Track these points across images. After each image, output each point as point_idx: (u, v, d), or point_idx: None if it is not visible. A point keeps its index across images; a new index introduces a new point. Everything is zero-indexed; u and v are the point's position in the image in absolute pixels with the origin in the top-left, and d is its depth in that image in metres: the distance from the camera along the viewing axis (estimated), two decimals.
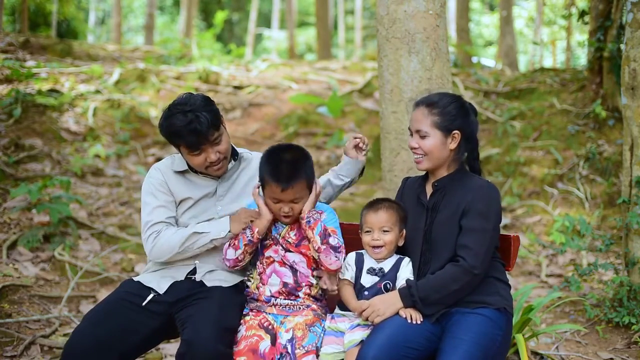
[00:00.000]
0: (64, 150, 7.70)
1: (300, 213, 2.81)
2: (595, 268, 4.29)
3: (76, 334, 2.69)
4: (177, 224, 2.97)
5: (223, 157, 2.92)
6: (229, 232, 2.87)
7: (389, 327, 2.63)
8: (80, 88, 9.51)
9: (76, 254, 5.42)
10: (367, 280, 2.79)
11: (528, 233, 6.25)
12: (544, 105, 8.23)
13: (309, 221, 2.76)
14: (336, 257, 2.75)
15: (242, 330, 2.75)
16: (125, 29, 26.80)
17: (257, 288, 2.86)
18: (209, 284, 2.91)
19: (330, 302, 2.93)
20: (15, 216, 5.61)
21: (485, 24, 26.62)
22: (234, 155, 3.07)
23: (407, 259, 2.82)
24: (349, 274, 2.82)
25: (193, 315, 2.73)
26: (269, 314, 2.81)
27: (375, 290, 2.77)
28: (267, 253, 2.85)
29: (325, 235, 2.74)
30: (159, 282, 2.91)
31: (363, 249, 2.86)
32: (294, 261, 2.84)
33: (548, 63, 21.35)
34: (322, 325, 2.79)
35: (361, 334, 2.69)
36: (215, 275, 2.94)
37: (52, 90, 8.98)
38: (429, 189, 2.88)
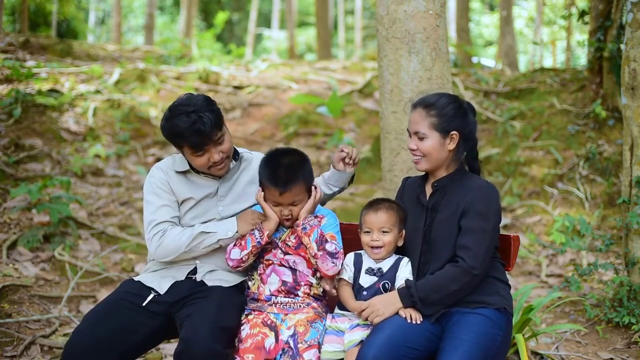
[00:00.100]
0: (64, 150, 7.70)
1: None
2: (595, 268, 4.29)
3: (76, 334, 2.69)
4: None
5: (226, 157, 2.93)
6: (236, 232, 2.88)
7: (388, 327, 2.63)
8: (80, 88, 9.51)
9: (76, 254, 5.43)
10: (366, 280, 2.80)
11: (528, 233, 6.25)
12: (544, 105, 8.23)
13: (305, 227, 2.78)
14: (333, 262, 2.77)
15: (247, 329, 2.76)
16: (125, 29, 26.80)
17: (258, 288, 2.88)
18: (209, 283, 2.91)
19: (330, 302, 2.93)
20: (15, 216, 5.61)
21: (485, 24, 26.62)
22: (235, 155, 3.07)
23: (406, 259, 2.82)
24: (348, 274, 2.82)
25: (191, 314, 2.74)
26: (270, 313, 2.83)
27: (373, 290, 2.77)
28: (267, 256, 2.89)
29: (321, 242, 2.76)
30: (160, 282, 2.91)
31: (363, 249, 2.86)
32: (294, 262, 2.86)
33: (548, 63, 21.36)
34: (323, 322, 2.81)
35: (361, 333, 2.69)
36: (216, 275, 2.94)
37: (52, 90, 8.98)
38: (428, 189, 2.88)
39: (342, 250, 2.82)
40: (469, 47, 13.89)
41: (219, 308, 2.75)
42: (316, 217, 2.87)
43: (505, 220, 6.49)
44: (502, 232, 3.04)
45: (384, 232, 2.78)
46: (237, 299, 2.88)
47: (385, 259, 2.82)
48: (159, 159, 8.34)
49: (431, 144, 2.77)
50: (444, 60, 3.68)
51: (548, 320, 4.55)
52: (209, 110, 2.84)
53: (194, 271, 2.95)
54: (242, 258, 2.85)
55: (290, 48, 19.89)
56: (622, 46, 4.77)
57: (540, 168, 7.21)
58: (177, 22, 26.12)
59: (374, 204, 2.84)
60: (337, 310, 2.85)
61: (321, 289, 2.89)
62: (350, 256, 2.86)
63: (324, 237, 2.78)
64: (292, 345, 2.70)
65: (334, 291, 2.83)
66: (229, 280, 2.94)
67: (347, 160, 3.05)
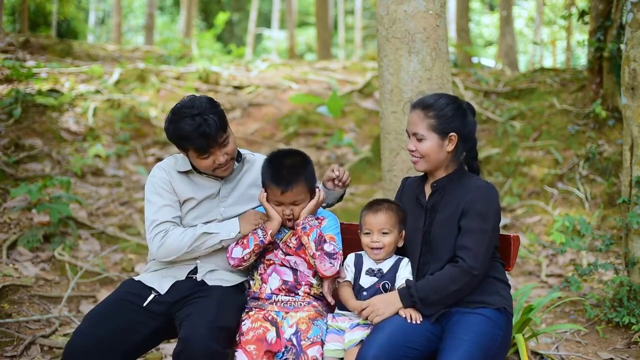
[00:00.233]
0: (64, 150, 7.70)
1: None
2: (595, 268, 4.29)
3: (77, 334, 2.69)
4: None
5: (230, 158, 2.93)
6: (239, 232, 2.89)
7: (388, 326, 2.63)
8: (80, 88, 9.51)
9: (76, 254, 5.43)
10: (366, 281, 2.80)
11: (528, 233, 6.25)
12: (544, 105, 8.23)
13: (305, 227, 2.80)
14: (331, 263, 2.77)
15: (248, 323, 2.77)
16: (125, 29, 26.80)
17: (259, 288, 2.89)
18: (210, 283, 2.91)
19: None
20: (15, 216, 5.61)
21: (485, 24, 26.62)
22: (238, 156, 3.07)
23: (406, 260, 2.82)
24: (349, 275, 2.82)
25: (191, 314, 2.74)
26: (271, 311, 2.83)
27: (373, 291, 2.77)
28: (268, 256, 2.90)
29: (320, 242, 2.77)
30: (161, 282, 2.91)
31: (363, 249, 2.87)
32: (294, 262, 2.87)
33: (548, 63, 21.36)
34: (325, 320, 2.82)
35: (361, 333, 2.70)
36: (217, 275, 2.95)
37: (52, 90, 8.98)
38: (427, 190, 2.88)
39: (341, 251, 2.83)
40: (469, 47, 13.89)
41: (219, 308, 2.75)
42: (317, 218, 2.88)
43: (505, 220, 6.50)
44: (502, 232, 3.04)
45: (384, 233, 2.78)
46: (238, 299, 2.88)
47: (386, 259, 2.82)
48: (159, 159, 8.34)
49: (429, 145, 2.76)
50: (444, 60, 3.68)
51: (548, 320, 4.55)
52: (214, 112, 2.83)
53: (195, 271, 2.95)
54: (243, 257, 2.86)
55: (290, 48, 19.89)
56: (622, 46, 4.77)
57: (540, 168, 7.21)
58: (177, 22, 26.12)
59: (374, 205, 2.84)
60: (337, 311, 2.85)
61: (321, 289, 2.90)
62: (351, 257, 2.86)
63: (322, 237, 2.79)
64: (295, 342, 2.70)
65: (332, 300, 2.84)
66: (230, 280, 2.94)
67: (336, 181, 3.05)
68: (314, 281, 2.88)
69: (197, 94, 2.97)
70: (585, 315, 4.34)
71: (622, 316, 4.08)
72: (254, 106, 10.46)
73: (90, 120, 8.68)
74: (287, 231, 2.90)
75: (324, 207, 3.07)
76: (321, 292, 2.90)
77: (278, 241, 2.89)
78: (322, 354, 2.71)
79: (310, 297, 2.87)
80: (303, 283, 2.86)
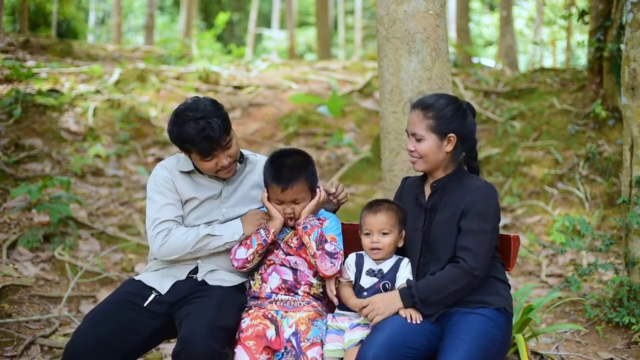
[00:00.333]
0: (64, 150, 7.70)
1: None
2: (595, 268, 4.29)
3: (77, 335, 2.69)
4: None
5: (233, 161, 2.93)
6: (242, 234, 2.90)
7: (388, 326, 2.63)
8: (80, 88, 9.51)
9: (76, 254, 5.42)
10: (366, 281, 2.80)
11: (528, 233, 6.25)
12: (544, 105, 8.23)
13: (306, 227, 2.80)
14: (332, 262, 2.77)
15: (248, 320, 2.78)
16: (125, 29, 26.80)
17: (259, 287, 2.90)
18: (211, 283, 2.91)
19: (331, 303, 2.94)
20: (15, 216, 5.61)
21: (485, 24, 26.62)
22: (240, 157, 3.07)
23: (406, 260, 2.82)
24: (350, 275, 2.82)
25: (190, 313, 2.74)
26: (270, 310, 2.84)
27: (373, 291, 2.77)
28: (269, 257, 2.91)
29: (321, 241, 2.77)
30: (161, 282, 2.91)
31: (363, 249, 2.87)
32: (295, 262, 2.87)
33: (548, 63, 21.36)
34: (324, 320, 2.82)
35: (361, 333, 2.70)
36: (217, 275, 2.95)
37: (52, 90, 8.98)
38: (427, 190, 2.88)
39: (341, 251, 2.83)
40: (469, 47, 13.89)
41: (219, 307, 2.75)
42: (318, 219, 2.88)
43: (505, 220, 6.50)
44: (502, 232, 3.04)
45: (384, 233, 2.78)
46: (238, 299, 2.88)
47: (386, 259, 2.82)
48: (159, 159, 8.34)
49: (428, 145, 2.76)
50: (444, 60, 3.68)
51: (548, 320, 4.55)
52: (217, 115, 2.82)
53: (195, 270, 2.95)
54: (247, 258, 2.86)
55: (290, 48, 19.89)
56: (622, 46, 4.77)
57: (540, 168, 7.21)
58: (177, 22, 26.12)
59: (373, 206, 2.84)
60: (337, 311, 2.85)
61: (321, 289, 2.90)
62: (352, 257, 2.87)
63: (323, 237, 2.79)
64: (294, 344, 2.71)
65: (335, 299, 2.84)
66: (230, 280, 2.94)
67: (331, 197, 3.05)
68: (314, 281, 2.88)
69: (200, 96, 2.97)
70: (585, 315, 4.34)
71: (622, 316, 4.08)
72: (254, 106, 10.46)
73: (90, 120, 8.68)
74: (288, 231, 2.91)
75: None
76: (321, 292, 2.90)
77: (279, 241, 2.89)
78: (322, 354, 2.71)
79: (310, 296, 2.87)
80: (303, 283, 2.86)
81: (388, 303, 2.69)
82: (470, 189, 2.75)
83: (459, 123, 2.78)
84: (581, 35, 16.13)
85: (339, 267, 2.80)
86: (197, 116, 2.79)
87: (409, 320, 2.66)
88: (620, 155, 6.00)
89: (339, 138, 8.93)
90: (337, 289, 2.85)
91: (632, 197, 4.06)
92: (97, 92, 9.53)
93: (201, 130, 2.78)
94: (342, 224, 2.98)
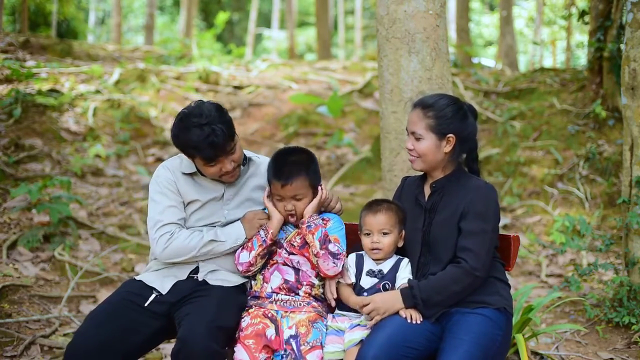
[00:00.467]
0: (64, 150, 7.70)
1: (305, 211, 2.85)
2: (595, 268, 4.29)
3: (78, 335, 2.69)
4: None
5: (237, 165, 2.93)
6: (245, 238, 2.91)
7: (388, 326, 2.63)
8: (80, 88, 9.51)
9: (76, 254, 5.42)
10: (367, 282, 2.80)
11: (528, 233, 6.25)
12: (544, 105, 8.23)
13: (309, 226, 2.80)
14: (334, 263, 2.77)
15: (248, 319, 2.78)
16: (125, 29, 26.80)
17: (260, 287, 2.90)
18: (212, 282, 2.91)
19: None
20: (15, 216, 5.61)
21: (485, 24, 26.63)
22: (243, 159, 3.06)
23: (406, 260, 2.82)
24: (350, 275, 2.82)
25: (190, 313, 2.74)
26: (270, 309, 2.84)
27: (374, 292, 2.77)
28: (273, 257, 2.91)
29: (325, 241, 2.77)
30: (162, 282, 2.91)
31: (363, 249, 2.87)
32: (298, 262, 2.87)
33: (548, 63, 21.36)
34: (325, 322, 2.82)
35: (361, 333, 2.70)
36: (218, 275, 2.95)
37: (52, 90, 8.98)
38: (427, 190, 2.88)
39: (344, 252, 2.83)
40: (469, 47, 13.89)
41: (218, 307, 2.75)
42: (322, 219, 2.88)
43: (505, 220, 6.50)
44: (502, 232, 3.04)
45: (384, 233, 2.78)
46: (238, 299, 2.88)
47: (386, 260, 2.82)
48: (159, 159, 8.35)
49: (427, 145, 2.77)
50: (444, 60, 3.68)
51: (548, 320, 4.55)
52: (222, 121, 2.82)
53: (196, 270, 2.95)
54: (250, 261, 2.87)
55: (290, 48, 19.89)
56: (622, 46, 4.76)
57: (540, 168, 7.21)
58: (177, 22, 26.12)
59: (373, 206, 2.84)
60: (337, 311, 2.85)
61: (322, 290, 2.90)
62: (352, 257, 2.87)
63: (327, 237, 2.80)
64: (294, 347, 2.70)
65: (333, 302, 2.84)
66: (231, 280, 2.94)
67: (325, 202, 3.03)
68: (315, 281, 2.87)
69: (203, 98, 2.95)
70: (585, 315, 4.34)
71: (622, 316, 4.08)
72: (254, 106, 10.46)
73: (90, 120, 8.68)
74: (291, 230, 2.90)
75: None
76: (322, 293, 2.90)
77: (282, 240, 2.89)
78: (322, 357, 2.71)
79: (311, 297, 2.87)
80: (304, 283, 2.86)
81: (389, 303, 2.69)
82: (470, 189, 2.75)
83: (459, 124, 2.78)
84: (581, 35, 16.14)
85: (340, 268, 2.80)
86: (201, 122, 2.78)
87: (409, 321, 2.66)
88: (620, 155, 6.00)
89: (339, 138, 8.93)
90: (336, 289, 2.85)
91: (632, 197, 4.05)
92: (97, 92, 9.53)
93: (206, 137, 2.77)
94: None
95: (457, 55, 13.04)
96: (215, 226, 2.97)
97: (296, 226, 2.90)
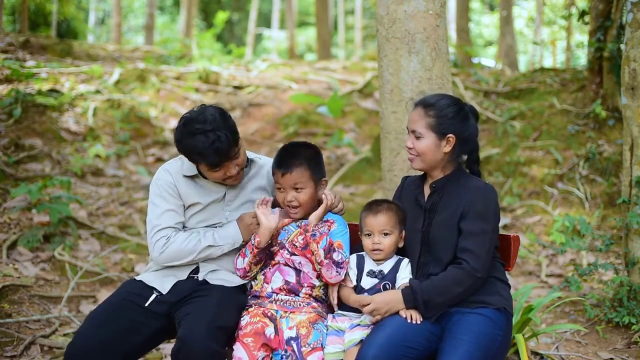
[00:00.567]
0: (64, 150, 7.70)
1: (306, 205, 2.86)
2: (595, 268, 4.29)
3: (79, 336, 2.69)
4: (184, 228, 2.98)
5: (240, 169, 2.94)
6: (242, 242, 2.92)
7: (388, 326, 2.63)
8: (80, 88, 9.51)
9: (76, 254, 5.42)
10: (367, 282, 2.80)
11: (528, 233, 6.25)
12: (544, 105, 8.23)
13: (314, 234, 2.79)
14: (337, 272, 2.78)
15: (247, 318, 2.78)
16: (125, 29, 26.79)
17: (261, 287, 2.90)
18: (212, 282, 2.92)
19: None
20: (15, 216, 5.61)
21: (485, 24, 26.63)
22: (246, 161, 3.06)
23: (406, 260, 2.82)
24: (351, 276, 2.82)
25: (190, 312, 2.74)
26: (270, 309, 2.84)
27: (374, 292, 2.78)
28: (274, 258, 2.90)
29: (329, 250, 2.76)
30: (162, 282, 2.91)
31: (363, 249, 2.87)
32: (299, 263, 2.87)
33: (548, 63, 21.36)
34: (325, 323, 2.81)
35: (361, 333, 2.70)
36: (218, 275, 2.95)
37: (52, 90, 8.98)
38: (426, 190, 2.88)
39: (348, 259, 2.83)
40: (469, 47, 13.88)
41: (219, 307, 2.75)
42: (326, 221, 2.87)
43: (505, 220, 6.49)
44: (502, 232, 3.04)
45: (385, 234, 2.78)
46: (238, 299, 2.88)
47: (387, 260, 2.82)
48: (159, 159, 8.35)
49: (426, 144, 2.77)
50: (444, 60, 3.68)
51: (548, 320, 4.55)
52: (226, 127, 2.82)
53: (196, 270, 2.96)
54: (245, 267, 2.89)
55: (290, 48, 19.89)
56: (622, 46, 4.76)
57: (540, 168, 7.21)
58: (177, 22, 26.12)
59: (373, 206, 2.84)
60: (337, 311, 2.85)
61: (322, 291, 2.90)
62: (353, 258, 2.86)
63: (332, 245, 2.78)
64: (295, 349, 2.70)
65: (336, 307, 2.84)
66: (232, 280, 2.94)
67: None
68: (316, 283, 2.87)
69: (206, 104, 2.94)
70: (585, 315, 4.34)
71: (622, 316, 4.08)
72: (254, 106, 10.46)
73: (90, 120, 8.68)
74: (293, 230, 2.90)
75: None
76: (323, 294, 2.90)
77: (284, 241, 2.89)
78: (323, 359, 2.71)
79: (311, 298, 2.86)
80: (305, 285, 2.85)
81: (390, 303, 2.69)
82: (470, 190, 2.75)
83: (459, 124, 2.78)
84: (581, 35, 16.14)
85: (343, 276, 2.80)
86: (206, 128, 2.78)
87: (409, 321, 2.66)
88: (620, 155, 6.00)
89: (339, 138, 8.93)
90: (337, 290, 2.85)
91: (632, 197, 4.05)
92: (97, 92, 9.53)
93: (211, 144, 2.77)
94: None
95: (457, 55, 13.04)
96: (215, 227, 2.97)
97: (295, 218, 2.90)
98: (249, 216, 2.94)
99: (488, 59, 20.45)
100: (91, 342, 2.65)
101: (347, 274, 2.83)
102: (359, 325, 2.74)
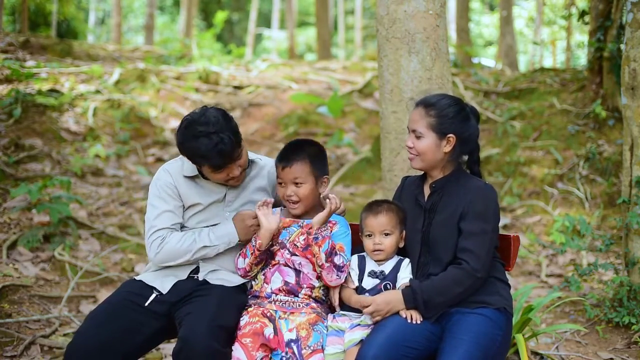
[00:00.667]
0: (64, 150, 7.70)
1: (306, 201, 2.86)
2: (595, 268, 4.29)
3: (79, 335, 2.69)
4: (183, 228, 2.98)
5: (243, 169, 2.94)
6: (239, 241, 2.92)
7: (389, 326, 2.63)
8: (80, 88, 9.51)
9: (76, 254, 5.42)
10: (369, 283, 2.80)
11: (528, 233, 6.25)
12: (544, 105, 8.23)
13: (317, 237, 2.77)
14: (338, 275, 2.78)
15: (246, 318, 2.78)
16: (125, 29, 26.79)
17: (260, 287, 2.90)
18: (212, 282, 2.92)
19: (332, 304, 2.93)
20: (15, 216, 5.61)
21: (485, 24, 26.63)
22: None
23: (406, 260, 2.83)
24: (353, 277, 2.82)
25: (191, 312, 2.74)
26: (269, 309, 2.83)
27: (375, 292, 2.78)
28: (275, 258, 2.90)
29: (331, 254, 2.75)
30: (162, 282, 2.92)
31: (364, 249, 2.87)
32: (299, 263, 2.86)
33: (548, 63, 21.36)
34: (325, 323, 2.81)
35: (361, 333, 2.70)
36: (218, 275, 2.95)
37: (52, 90, 8.98)
38: (426, 190, 2.89)
39: (349, 262, 2.82)
40: (469, 47, 13.89)
41: (219, 306, 2.75)
42: (328, 222, 2.87)
43: (505, 220, 6.49)
44: (502, 232, 3.04)
45: (385, 234, 2.78)
46: (239, 299, 2.88)
47: (387, 260, 2.82)
48: (159, 159, 8.35)
49: (427, 143, 2.77)
50: (444, 60, 3.68)
51: (548, 320, 4.55)
52: (229, 128, 2.81)
53: (196, 270, 2.96)
54: (245, 267, 2.89)
55: (290, 48, 19.89)
56: (622, 46, 4.76)
57: (540, 168, 7.21)
58: (177, 22, 26.12)
59: (373, 207, 2.84)
60: (338, 311, 2.85)
61: (322, 292, 2.89)
62: (355, 259, 2.87)
63: (334, 249, 2.77)
64: (295, 351, 2.70)
65: (338, 309, 2.84)
66: (232, 280, 2.94)
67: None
68: (316, 283, 2.86)
69: (207, 106, 2.93)
70: (585, 315, 4.34)
71: (622, 316, 4.08)
72: (254, 106, 10.46)
73: (90, 120, 8.68)
74: (295, 230, 2.90)
75: None
76: (323, 295, 2.90)
77: (285, 241, 2.88)
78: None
79: (311, 299, 2.86)
80: (305, 286, 2.85)
81: (390, 303, 2.69)
82: (470, 190, 2.75)
83: (460, 124, 2.78)
84: (581, 35, 16.14)
85: (343, 279, 2.80)
86: (209, 130, 2.77)
87: (409, 321, 2.66)
88: (620, 155, 6.00)
89: (339, 138, 8.93)
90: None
91: (632, 197, 4.05)
92: (97, 92, 9.53)
93: (214, 146, 2.76)
94: None
95: (457, 55, 13.04)
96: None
97: (296, 216, 2.90)
98: (249, 217, 2.93)
99: (488, 59, 20.46)
100: (91, 342, 2.65)
101: (349, 275, 2.83)
102: (359, 325, 2.74)
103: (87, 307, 4.65)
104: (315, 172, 2.87)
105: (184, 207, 2.97)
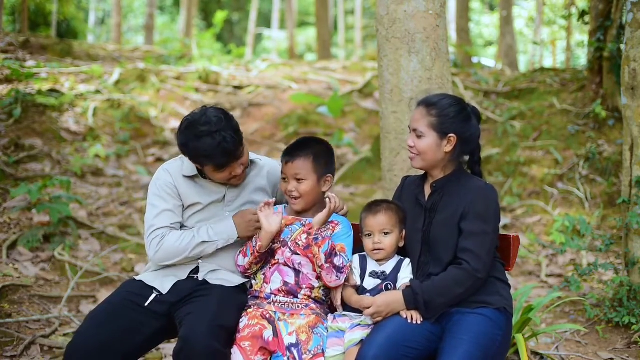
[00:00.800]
0: (64, 150, 7.70)
1: (307, 197, 2.85)
2: (595, 268, 4.29)
3: (79, 335, 2.69)
4: (182, 228, 2.98)
5: (245, 168, 2.94)
6: (238, 238, 2.92)
7: (389, 326, 2.63)
8: (80, 88, 9.51)
9: (76, 254, 5.42)
10: (370, 283, 2.80)
11: (528, 233, 6.25)
12: (544, 105, 8.23)
13: (317, 238, 2.77)
14: (337, 277, 2.77)
15: (245, 320, 2.77)
16: (125, 29, 26.79)
17: (260, 287, 2.90)
18: (212, 282, 2.91)
19: (332, 304, 2.92)
20: (15, 216, 5.61)
21: (485, 24, 26.63)
22: None
23: (407, 260, 2.83)
24: (355, 277, 2.82)
25: (191, 312, 2.74)
26: (269, 310, 2.83)
27: (376, 292, 2.78)
28: (275, 256, 2.90)
29: (331, 254, 2.74)
30: (162, 282, 2.92)
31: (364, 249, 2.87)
32: (299, 263, 2.85)
33: (548, 63, 21.36)
34: (325, 325, 2.80)
35: (361, 333, 2.70)
36: (218, 275, 2.95)
37: (52, 90, 8.98)
38: (427, 190, 2.89)
39: (349, 263, 2.82)
40: (469, 47, 13.88)
41: (220, 307, 2.75)
42: (331, 222, 2.87)
43: (505, 220, 6.49)
44: (502, 232, 3.04)
45: (385, 233, 2.78)
46: (239, 299, 2.88)
47: (388, 260, 2.82)
48: (159, 159, 8.35)
49: (428, 143, 2.77)
50: (444, 60, 3.68)
51: (548, 320, 4.55)
52: (231, 127, 2.82)
53: (196, 270, 2.96)
54: (245, 265, 2.90)
55: (290, 48, 19.89)
56: (622, 46, 4.76)
57: (540, 168, 7.21)
58: (177, 22, 26.12)
59: (373, 207, 2.84)
60: (340, 311, 2.84)
61: (322, 292, 2.89)
62: (356, 258, 2.86)
63: (334, 250, 2.76)
64: (296, 356, 2.69)
65: (341, 309, 2.84)
66: (232, 280, 2.94)
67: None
68: (315, 284, 2.86)
69: (206, 105, 2.94)
70: (585, 315, 4.34)
71: (622, 316, 4.08)
72: (254, 106, 10.46)
73: (90, 120, 8.68)
74: (297, 228, 2.89)
75: None
76: (323, 296, 2.89)
77: (287, 239, 2.88)
78: None
79: (310, 299, 2.85)
80: (304, 286, 2.85)
81: (391, 304, 2.69)
82: (470, 190, 2.75)
83: (461, 124, 2.78)
84: (581, 35, 16.13)
85: (343, 281, 2.79)
86: (211, 130, 2.78)
87: (409, 321, 2.66)
88: (620, 155, 6.00)
89: (339, 138, 8.93)
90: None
91: (632, 197, 4.05)
92: (97, 92, 9.53)
93: (217, 146, 2.77)
94: None
95: (457, 55, 13.04)
96: None
97: (298, 212, 2.91)
98: (249, 212, 2.94)
99: (488, 59, 20.45)
100: (91, 342, 2.65)
101: (351, 273, 2.82)
102: (359, 324, 2.74)
103: (87, 307, 4.65)
104: (318, 170, 2.87)
105: (183, 207, 2.97)
